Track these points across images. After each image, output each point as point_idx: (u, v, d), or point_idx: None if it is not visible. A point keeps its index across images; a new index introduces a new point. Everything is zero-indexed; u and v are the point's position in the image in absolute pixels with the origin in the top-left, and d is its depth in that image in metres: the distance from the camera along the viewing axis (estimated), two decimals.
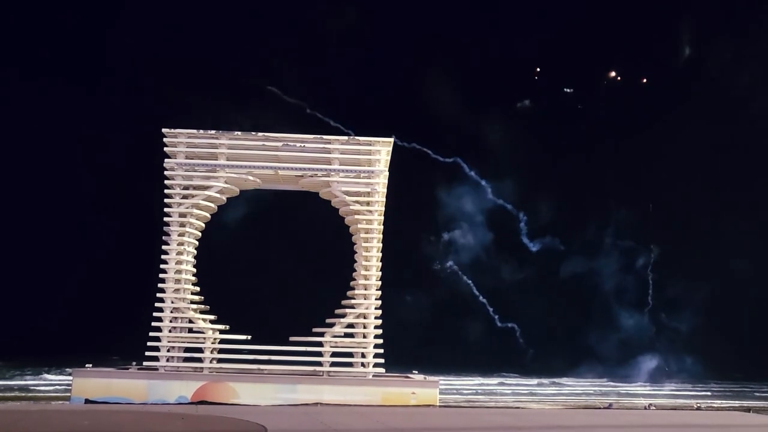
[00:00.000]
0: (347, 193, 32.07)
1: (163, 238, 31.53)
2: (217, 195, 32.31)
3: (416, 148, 69.32)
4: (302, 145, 32.10)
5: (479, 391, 49.53)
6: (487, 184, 73.43)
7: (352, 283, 32.42)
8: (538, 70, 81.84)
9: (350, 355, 31.46)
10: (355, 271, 32.53)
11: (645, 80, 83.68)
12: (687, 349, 72.75)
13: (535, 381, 62.18)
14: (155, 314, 30.75)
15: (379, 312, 31.45)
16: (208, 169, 32.01)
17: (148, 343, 30.49)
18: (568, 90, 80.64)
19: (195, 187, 32.01)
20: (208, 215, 32.70)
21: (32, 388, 40.03)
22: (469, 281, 72.21)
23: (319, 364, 30.60)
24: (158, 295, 30.95)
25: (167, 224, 31.56)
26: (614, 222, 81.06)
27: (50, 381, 44.20)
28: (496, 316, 72.77)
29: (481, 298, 71.52)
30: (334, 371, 30.73)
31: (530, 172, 78.10)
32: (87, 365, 30.46)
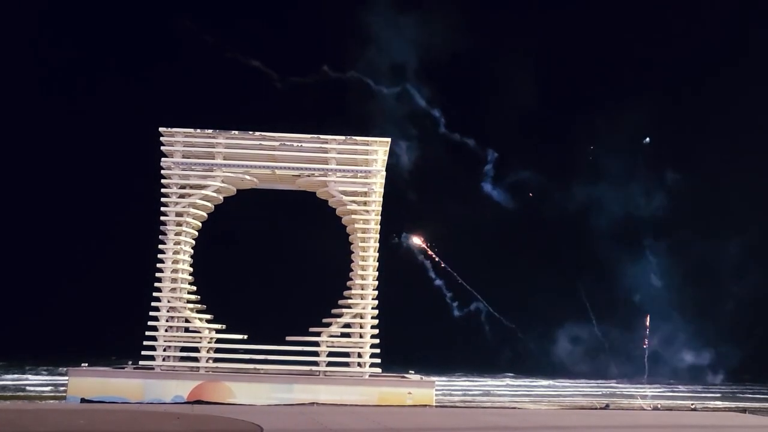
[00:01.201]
0: (344, 193, 32.09)
1: (160, 237, 31.54)
2: (214, 194, 32.32)
3: (355, 77, 56.28)
4: (299, 144, 32.12)
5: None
6: (441, 115, 59.09)
7: (348, 282, 32.45)
8: None
9: (347, 354, 31.50)
10: (352, 270, 32.56)
11: None
12: (716, 339, 59.76)
13: (523, 381, 56.09)
14: (152, 313, 30.74)
15: (376, 312, 31.50)
16: (205, 169, 32.00)
17: (145, 343, 30.51)
18: None
19: (192, 187, 32.01)
20: (205, 215, 32.71)
21: (20, 387, 39.84)
22: (426, 261, 59.00)
23: (316, 363, 30.62)
24: (155, 294, 30.95)
25: (164, 223, 31.57)
26: (613, 139, 60.82)
27: (34, 381, 43.90)
28: (455, 303, 60.05)
29: (437, 281, 58.74)
30: (330, 371, 30.75)
31: (495, 102, 60.67)
32: (83, 364, 30.46)
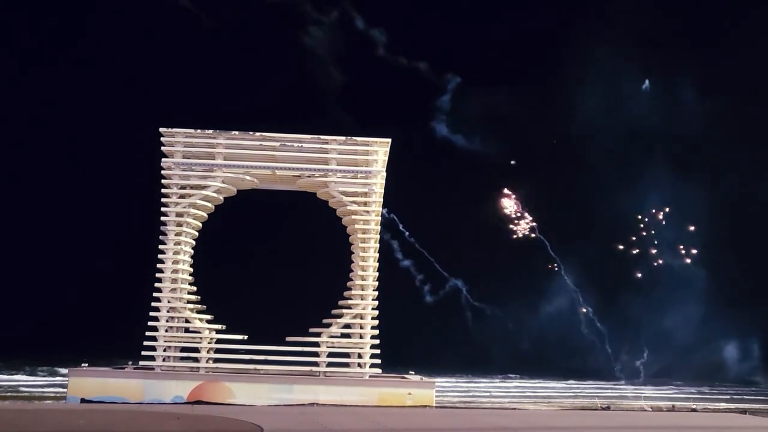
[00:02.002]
0: (344, 194, 32.08)
1: (160, 237, 31.53)
2: (215, 195, 32.31)
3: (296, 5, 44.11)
4: (300, 145, 32.10)
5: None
6: (382, 33, 45.19)
7: (348, 283, 32.43)
8: None
9: (347, 355, 31.48)
10: (352, 271, 32.55)
11: None
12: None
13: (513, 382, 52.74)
14: (152, 314, 30.75)
15: (376, 312, 31.47)
16: (205, 169, 31.99)
17: (145, 343, 30.50)
18: None
19: (192, 187, 32.00)
20: (205, 215, 32.69)
21: (16, 387, 39.76)
22: (394, 241, 48.56)
23: (316, 364, 30.61)
24: (155, 294, 30.94)
25: (164, 224, 31.55)
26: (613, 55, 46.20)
27: (32, 381, 43.80)
28: (427, 287, 50.56)
29: (403, 261, 48.81)
30: (330, 371, 30.73)
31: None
32: (83, 364, 30.46)
